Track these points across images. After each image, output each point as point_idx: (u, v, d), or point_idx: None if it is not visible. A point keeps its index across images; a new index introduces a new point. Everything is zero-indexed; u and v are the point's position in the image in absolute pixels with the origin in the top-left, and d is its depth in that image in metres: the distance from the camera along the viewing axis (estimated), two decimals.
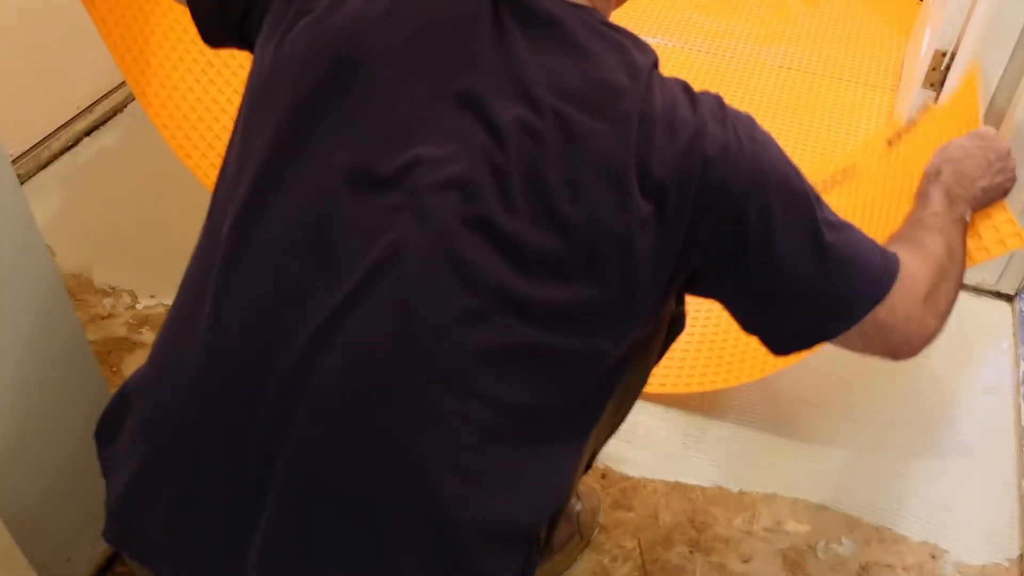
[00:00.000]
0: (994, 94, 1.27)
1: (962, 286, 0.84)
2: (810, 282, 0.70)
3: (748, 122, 0.70)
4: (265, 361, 0.62)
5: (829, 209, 0.72)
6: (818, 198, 0.71)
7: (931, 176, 0.90)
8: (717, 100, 0.70)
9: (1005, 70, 1.25)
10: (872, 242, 0.74)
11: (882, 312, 0.72)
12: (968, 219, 0.88)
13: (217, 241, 0.67)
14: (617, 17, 0.74)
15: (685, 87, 0.69)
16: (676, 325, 0.87)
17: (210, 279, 0.66)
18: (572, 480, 0.73)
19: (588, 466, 0.88)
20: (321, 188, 0.64)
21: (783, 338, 0.75)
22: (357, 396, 0.61)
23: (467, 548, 0.61)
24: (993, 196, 0.90)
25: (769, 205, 0.68)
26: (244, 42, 0.81)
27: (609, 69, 0.66)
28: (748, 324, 0.76)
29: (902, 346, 0.75)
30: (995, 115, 1.29)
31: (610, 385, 0.73)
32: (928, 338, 0.77)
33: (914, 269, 0.75)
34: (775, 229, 0.68)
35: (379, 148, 0.64)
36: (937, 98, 1.43)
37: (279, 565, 0.61)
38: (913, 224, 0.86)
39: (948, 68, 1.38)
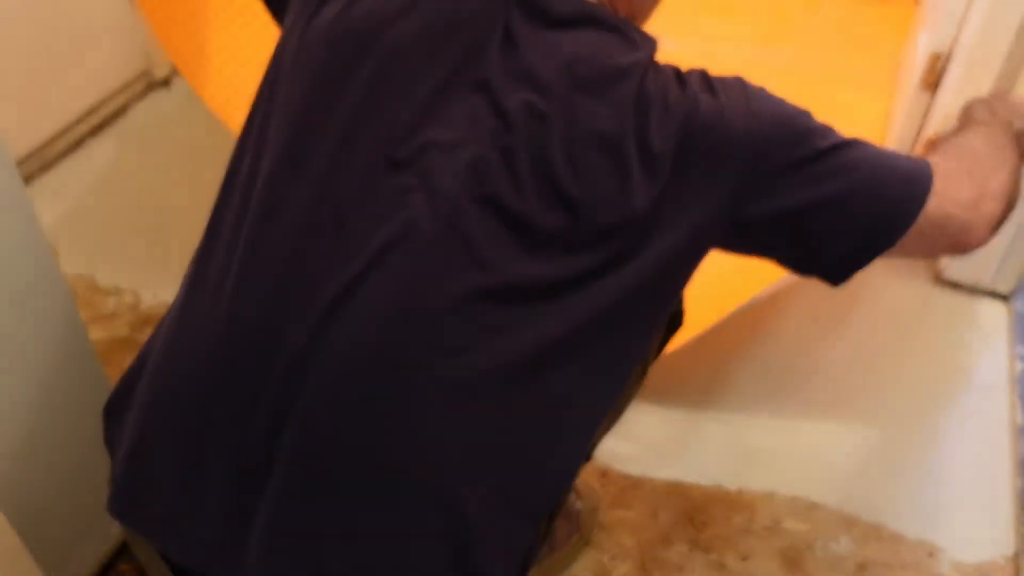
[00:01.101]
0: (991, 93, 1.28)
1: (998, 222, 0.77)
2: (847, 203, 0.70)
3: (737, 83, 0.72)
4: (276, 338, 0.64)
5: (838, 134, 0.72)
6: (825, 128, 0.72)
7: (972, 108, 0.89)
8: (702, 74, 0.72)
9: (1000, 72, 1.26)
10: (893, 151, 0.74)
11: (932, 205, 0.71)
12: (1017, 126, 0.84)
13: (236, 221, 0.69)
14: None
15: (676, 71, 0.72)
16: (675, 322, 0.89)
17: (229, 259, 0.68)
18: (576, 466, 0.74)
19: (587, 457, 0.89)
20: (338, 170, 0.66)
21: (838, 266, 0.74)
22: (364, 370, 0.62)
23: (471, 520, 0.62)
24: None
25: (779, 148, 0.69)
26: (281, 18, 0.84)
27: (610, 55, 0.69)
28: (801, 266, 0.75)
29: (964, 233, 0.73)
30: None
31: (618, 375, 0.74)
32: (991, 220, 0.75)
33: (944, 162, 0.75)
34: (791, 167, 0.69)
35: (394, 133, 0.67)
36: (932, 100, 1.43)
37: (283, 542, 0.63)
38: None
39: (944, 70, 1.39)
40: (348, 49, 0.69)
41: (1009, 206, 0.77)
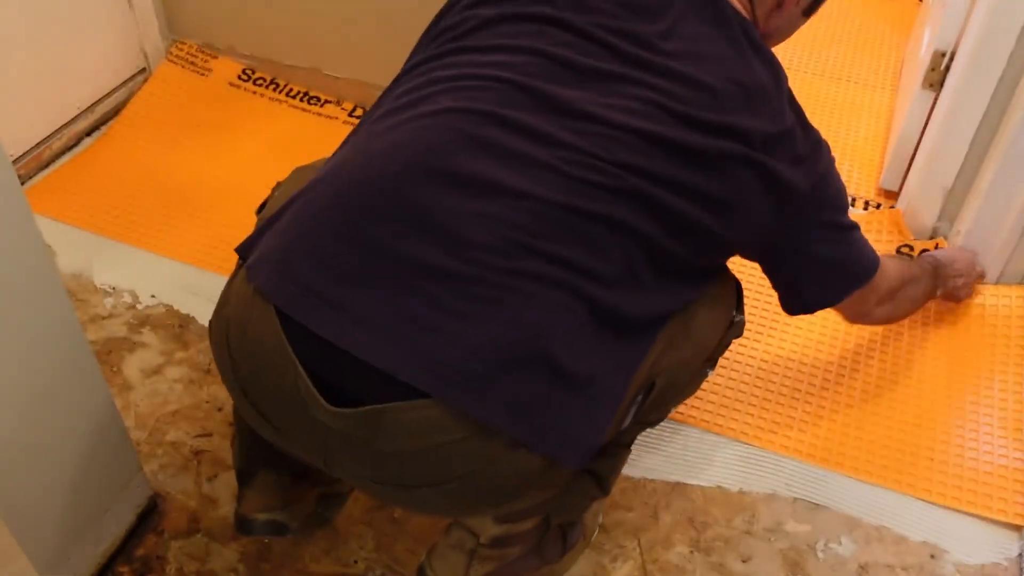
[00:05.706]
0: (994, 92, 1.28)
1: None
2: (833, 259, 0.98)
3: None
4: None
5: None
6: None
7: (927, 256, 1.30)
8: None
9: (1004, 70, 1.25)
10: (865, 241, 1.02)
11: (867, 287, 1.02)
12: (938, 292, 1.29)
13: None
14: None
15: None
16: (734, 330, 1.00)
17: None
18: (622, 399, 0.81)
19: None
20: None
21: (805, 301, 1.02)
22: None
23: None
24: (959, 296, 1.34)
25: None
26: None
27: None
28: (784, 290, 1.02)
29: (864, 315, 1.14)
30: (996, 111, 1.29)
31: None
32: (884, 318, 1.21)
33: (889, 269, 1.06)
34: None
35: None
36: (936, 98, 1.43)
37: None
38: (903, 259, 1.25)
39: (947, 68, 1.38)
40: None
41: (896, 318, 1.24)
